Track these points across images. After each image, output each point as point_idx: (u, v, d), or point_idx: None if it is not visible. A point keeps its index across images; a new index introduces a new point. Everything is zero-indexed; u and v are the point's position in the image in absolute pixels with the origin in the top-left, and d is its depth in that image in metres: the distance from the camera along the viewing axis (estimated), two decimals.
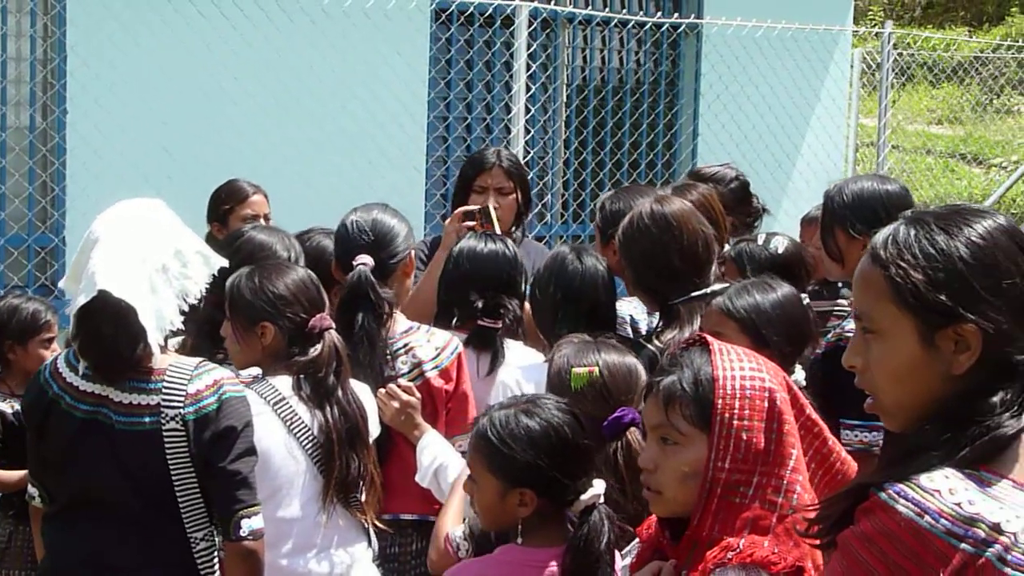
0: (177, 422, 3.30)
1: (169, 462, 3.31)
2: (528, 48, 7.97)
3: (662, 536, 2.53)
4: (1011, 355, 2.00)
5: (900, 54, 11.71)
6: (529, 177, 8.45)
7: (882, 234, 2.09)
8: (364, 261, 4.00)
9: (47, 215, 7.25)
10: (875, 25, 13.58)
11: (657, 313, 4.19)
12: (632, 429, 3.16)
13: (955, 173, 15.06)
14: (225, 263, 3.51)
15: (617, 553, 2.91)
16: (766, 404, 2.42)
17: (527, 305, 4.32)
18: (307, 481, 3.66)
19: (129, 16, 7.12)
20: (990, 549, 1.89)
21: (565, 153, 9.44)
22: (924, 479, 1.92)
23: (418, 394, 3.98)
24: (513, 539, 2.99)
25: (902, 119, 14.76)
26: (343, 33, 7.84)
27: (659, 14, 9.58)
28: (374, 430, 3.87)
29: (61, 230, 7.17)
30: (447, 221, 4.86)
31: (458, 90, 8.82)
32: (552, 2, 9.11)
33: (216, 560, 3.42)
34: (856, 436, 3.81)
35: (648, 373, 3.31)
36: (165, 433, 3.30)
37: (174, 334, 3.42)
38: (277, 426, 3.63)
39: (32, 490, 3.62)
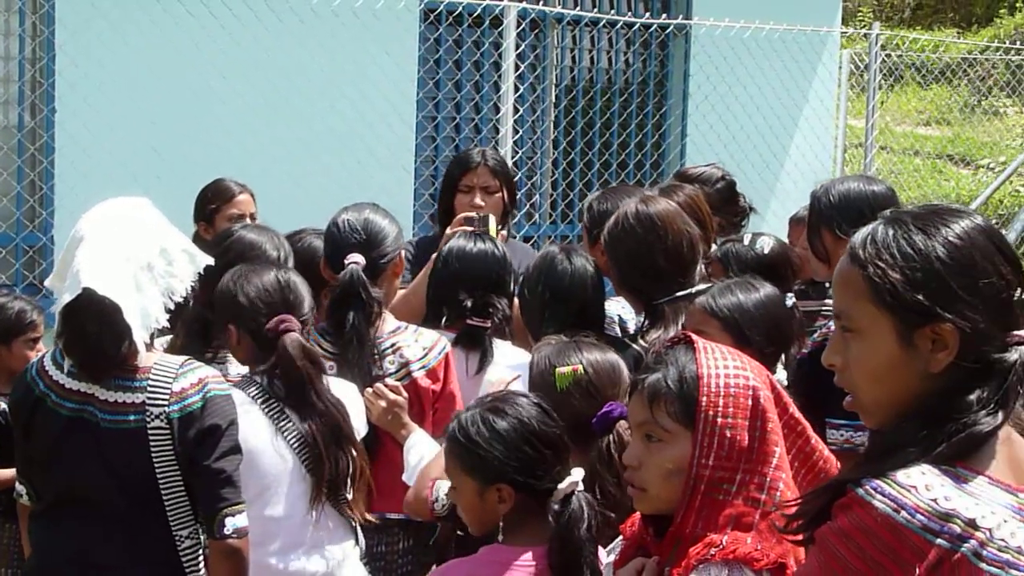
0: (162, 420, 3.30)
1: (154, 460, 3.31)
2: (516, 48, 7.97)
3: (646, 533, 2.55)
4: (988, 353, 2.02)
5: (888, 55, 11.74)
6: (517, 177, 8.51)
7: (861, 234, 2.11)
8: (355, 260, 4.01)
9: (35, 214, 7.24)
10: (864, 26, 13.60)
11: (644, 313, 4.20)
12: (622, 422, 3.19)
13: (943, 174, 15.09)
14: (210, 261, 3.51)
15: (601, 549, 2.93)
16: (750, 402, 2.44)
17: (515, 304, 4.34)
18: (294, 480, 3.67)
19: (118, 15, 7.11)
20: (966, 544, 1.91)
21: (553, 153, 9.45)
22: (901, 475, 1.94)
23: (405, 394, 3.99)
24: (496, 537, 3.01)
25: (890, 120, 14.79)
26: (332, 33, 7.85)
27: (647, 15, 9.59)
28: (361, 429, 3.88)
29: (49, 229, 7.16)
30: (448, 227, 4.86)
31: (446, 90, 8.82)
32: (540, 2, 9.12)
33: (201, 558, 3.42)
34: (842, 435, 3.83)
35: (633, 372, 3.32)
36: (150, 431, 3.30)
37: (161, 332, 3.43)
38: (264, 425, 3.63)
39: (19, 488, 3.63)
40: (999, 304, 2.04)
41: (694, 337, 2.54)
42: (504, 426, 2.98)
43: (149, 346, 3.38)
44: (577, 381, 3.33)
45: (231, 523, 3.33)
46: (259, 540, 3.56)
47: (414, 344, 4.07)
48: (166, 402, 3.31)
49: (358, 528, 3.83)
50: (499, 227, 5.10)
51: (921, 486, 1.93)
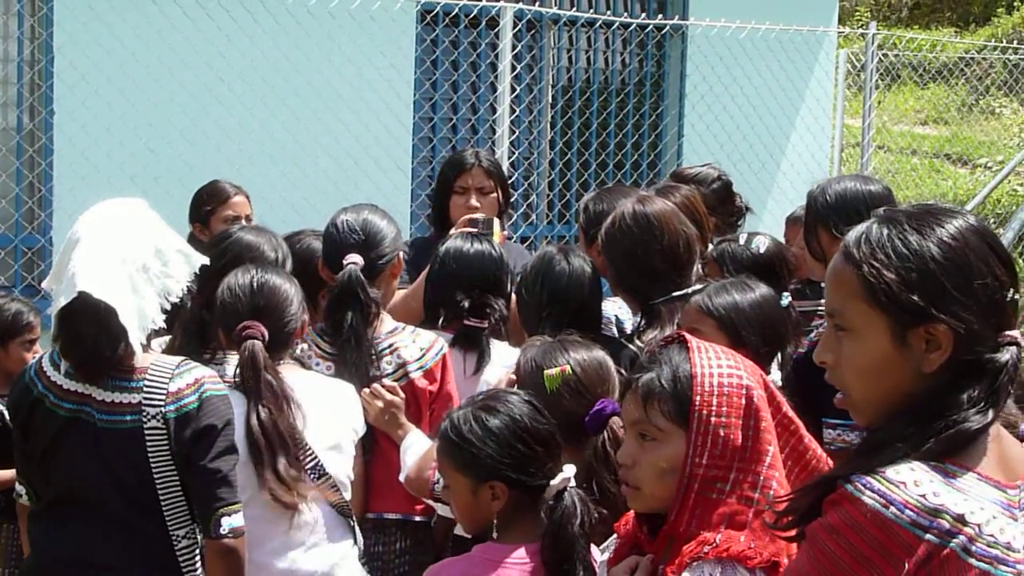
0: (158, 420, 3.31)
1: (151, 460, 3.32)
2: (513, 49, 7.98)
3: (640, 531, 2.57)
4: (981, 354, 2.04)
5: (885, 55, 11.74)
6: (514, 178, 8.53)
7: (855, 233, 2.12)
8: (354, 260, 4.01)
9: (34, 215, 7.25)
10: (861, 26, 13.61)
11: (640, 313, 4.21)
12: (614, 419, 3.20)
13: (940, 173, 15.09)
14: (206, 261, 3.52)
15: (595, 548, 2.94)
16: (743, 401, 2.45)
17: (512, 305, 4.35)
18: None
19: (116, 18, 7.13)
20: (954, 540, 1.93)
21: (550, 154, 9.46)
22: (890, 471, 1.95)
23: (402, 394, 3.99)
24: (490, 536, 3.02)
25: (888, 120, 14.80)
26: (329, 34, 7.86)
27: (644, 15, 9.60)
28: (359, 429, 3.89)
29: (48, 230, 7.17)
30: (453, 228, 4.88)
31: (443, 91, 8.83)
32: (537, 3, 9.13)
33: (198, 558, 3.42)
34: (838, 435, 3.83)
35: (629, 373, 3.33)
36: (146, 431, 3.31)
37: (157, 333, 3.44)
38: None
39: (19, 488, 3.64)
40: (992, 304, 2.04)
41: (688, 336, 2.55)
42: (496, 424, 3.00)
43: (146, 347, 3.38)
44: (566, 381, 3.33)
45: (227, 523, 3.33)
46: (257, 539, 3.57)
47: (411, 345, 4.07)
48: (162, 402, 3.32)
49: (356, 528, 3.84)
50: (503, 231, 5.11)
51: (910, 482, 1.94)
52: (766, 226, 6.58)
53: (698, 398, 2.44)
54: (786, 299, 4.12)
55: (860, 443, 2.08)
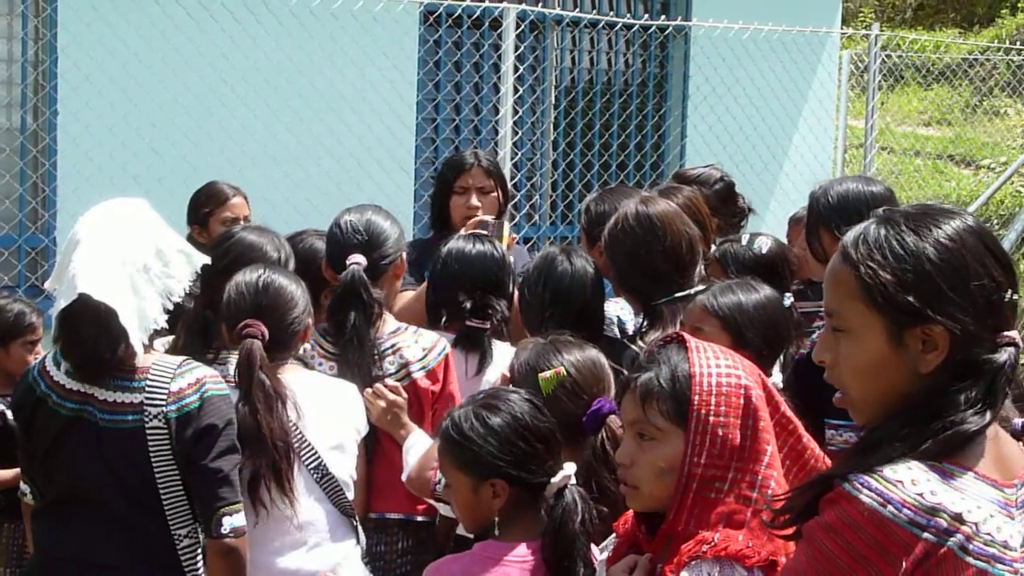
0: (160, 420, 3.32)
1: (152, 460, 3.33)
2: (516, 50, 7.97)
3: (638, 530, 2.58)
4: (978, 355, 2.04)
5: (889, 56, 11.74)
6: (517, 179, 8.53)
7: (853, 233, 2.13)
8: (357, 260, 4.02)
9: (38, 216, 7.26)
10: (865, 27, 13.61)
11: (643, 314, 4.22)
12: (612, 417, 3.21)
13: (944, 174, 15.08)
14: (207, 260, 3.53)
15: (594, 547, 2.95)
16: (742, 401, 2.46)
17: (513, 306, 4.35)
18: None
19: (119, 19, 7.14)
20: (952, 538, 1.94)
21: (553, 155, 9.46)
22: (887, 470, 1.96)
23: (404, 394, 4.00)
24: (491, 534, 3.03)
25: (891, 121, 14.79)
26: (331, 36, 7.86)
27: (647, 16, 9.59)
28: (362, 429, 3.90)
29: (51, 231, 7.18)
30: (462, 230, 4.88)
31: (446, 92, 8.83)
32: (540, 4, 9.13)
33: (200, 557, 3.43)
34: (841, 436, 3.83)
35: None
36: (148, 431, 3.32)
37: (158, 333, 3.44)
38: None
39: (24, 487, 3.65)
40: (989, 305, 2.05)
41: (686, 336, 2.56)
42: (497, 422, 3.01)
43: (148, 347, 3.39)
44: (561, 383, 3.34)
45: (228, 522, 3.34)
46: (260, 539, 3.58)
47: (414, 345, 4.08)
48: (164, 402, 3.33)
49: (359, 527, 3.85)
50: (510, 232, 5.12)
51: (908, 481, 1.95)
52: (769, 227, 6.59)
53: (696, 398, 2.45)
54: (788, 300, 4.12)
55: (857, 442, 2.09)
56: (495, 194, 5.20)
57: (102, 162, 7.00)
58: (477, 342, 4.21)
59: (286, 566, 3.68)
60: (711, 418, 2.44)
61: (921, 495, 1.94)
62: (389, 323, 4.11)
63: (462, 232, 4.75)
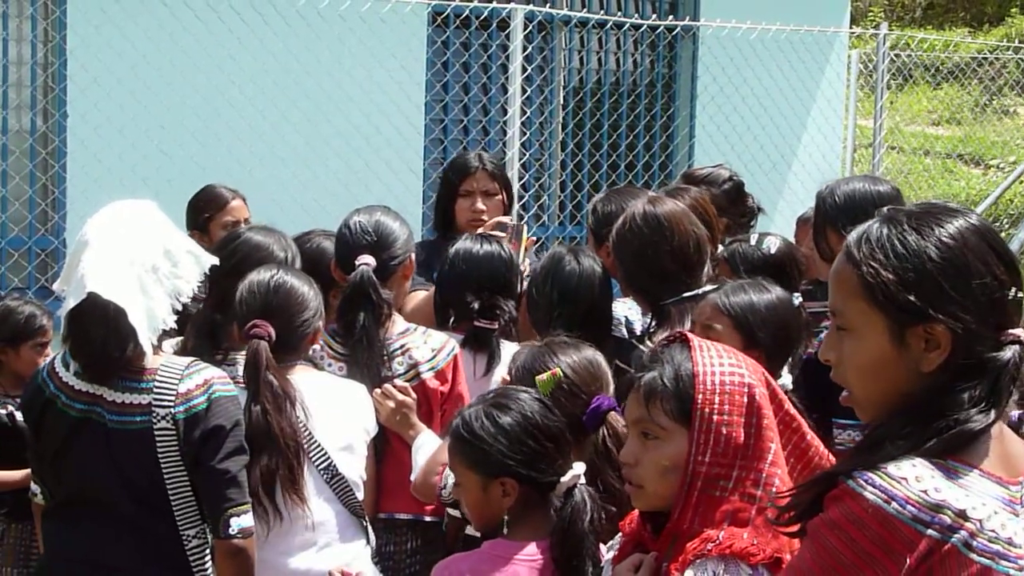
0: (168, 421, 3.33)
1: (160, 461, 3.34)
2: (524, 51, 7.97)
3: (644, 529, 2.58)
4: (981, 353, 2.04)
5: (898, 55, 11.72)
6: (526, 179, 8.54)
7: (856, 232, 2.14)
8: (366, 261, 4.02)
9: (47, 217, 7.29)
10: (874, 26, 13.59)
11: (651, 314, 4.22)
12: (612, 414, 3.21)
13: (953, 174, 15.05)
14: (215, 261, 3.54)
15: (601, 546, 2.95)
16: (745, 399, 2.47)
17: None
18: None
19: (128, 21, 7.16)
20: (956, 535, 1.94)
21: (561, 155, 9.46)
22: (892, 467, 1.96)
23: (413, 395, 4.00)
24: (500, 533, 3.03)
25: (900, 120, 14.76)
26: (339, 37, 7.88)
27: (655, 16, 9.59)
28: (371, 430, 3.90)
29: (61, 232, 7.21)
30: (479, 229, 4.89)
31: (454, 93, 8.84)
32: (548, 4, 9.13)
33: (208, 558, 3.44)
34: (849, 435, 3.84)
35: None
36: (156, 432, 3.33)
37: (167, 334, 3.45)
38: None
39: (34, 487, 3.67)
40: (992, 304, 2.05)
41: (689, 335, 2.57)
42: (508, 420, 3.02)
43: (156, 348, 3.40)
44: (558, 384, 3.34)
45: (236, 523, 3.35)
46: (270, 539, 3.59)
47: (423, 345, 4.09)
48: (172, 403, 3.33)
49: (369, 528, 3.85)
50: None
51: (912, 478, 1.95)
52: (777, 227, 6.58)
53: (700, 396, 2.46)
54: (797, 300, 4.12)
55: (861, 440, 2.09)
56: (500, 197, 5.19)
57: (111, 164, 7.02)
58: (485, 342, 4.22)
59: (296, 566, 3.69)
60: (715, 417, 2.44)
61: (925, 492, 1.94)
62: (398, 324, 4.12)
63: (480, 232, 4.76)
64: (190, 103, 7.43)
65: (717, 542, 2.38)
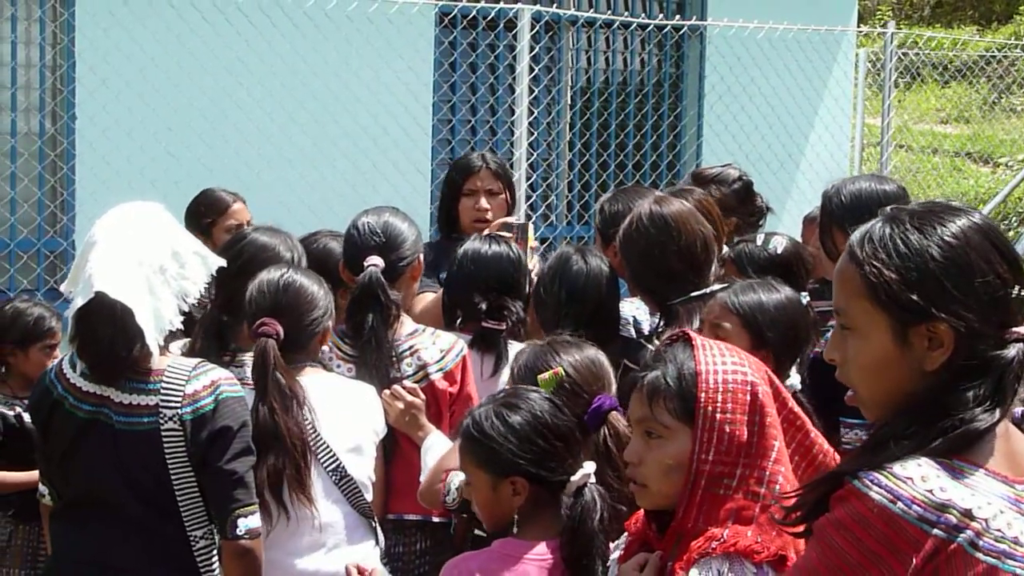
0: (175, 422, 3.33)
1: (168, 462, 3.34)
2: (531, 51, 7.97)
3: (648, 529, 2.59)
4: (984, 351, 2.04)
5: (905, 53, 11.71)
6: (533, 179, 8.54)
7: (859, 232, 2.14)
8: (375, 262, 4.03)
9: (56, 219, 7.31)
10: (882, 25, 13.58)
11: (659, 314, 4.22)
12: (614, 413, 3.22)
13: (962, 172, 15.04)
14: (223, 263, 3.55)
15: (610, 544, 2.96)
16: (748, 397, 2.47)
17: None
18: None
19: (136, 23, 7.18)
20: (962, 535, 1.94)
21: (569, 155, 9.47)
22: (897, 467, 1.96)
23: (422, 396, 4.01)
24: (510, 532, 3.04)
25: (908, 118, 14.75)
26: (347, 38, 7.89)
27: (662, 16, 9.59)
28: (380, 431, 3.91)
29: (70, 234, 7.22)
30: (486, 229, 4.89)
31: (462, 93, 8.85)
32: (555, 5, 9.14)
33: (216, 559, 3.44)
34: (856, 434, 3.84)
35: None
36: (163, 433, 3.33)
37: (173, 335, 3.46)
38: None
39: (42, 488, 3.67)
40: (995, 302, 2.05)
41: (692, 334, 2.57)
42: (518, 420, 3.02)
43: (163, 349, 3.41)
44: (560, 383, 3.34)
45: (243, 524, 3.35)
46: (278, 540, 3.59)
47: (431, 346, 4.09)
48: (179, 404, 3.34)
49: (378, 529, 3.86)
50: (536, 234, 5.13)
51: (917, 477, 1.95)
52: (785, 226, 6.59)
53: (703, 395, 2.46)
54: (804, 299, 4.12)
55: (867, 439, 2.10)
56: (503, 196, 5.20)
57: (120, 166, 7.04)
58: (493, 343, 4.22)
59: (305, 567, 3.69)
60: (718, 415, 2.45)
61: (931, 492, 1.94)
62: (407, 325, 4.12)
63: (486, 232, 4.76)
64: (198, 105, 7.45)
65: (721, 540, 2.39)
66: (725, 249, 4.61)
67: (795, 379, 3.86)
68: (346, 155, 7.93)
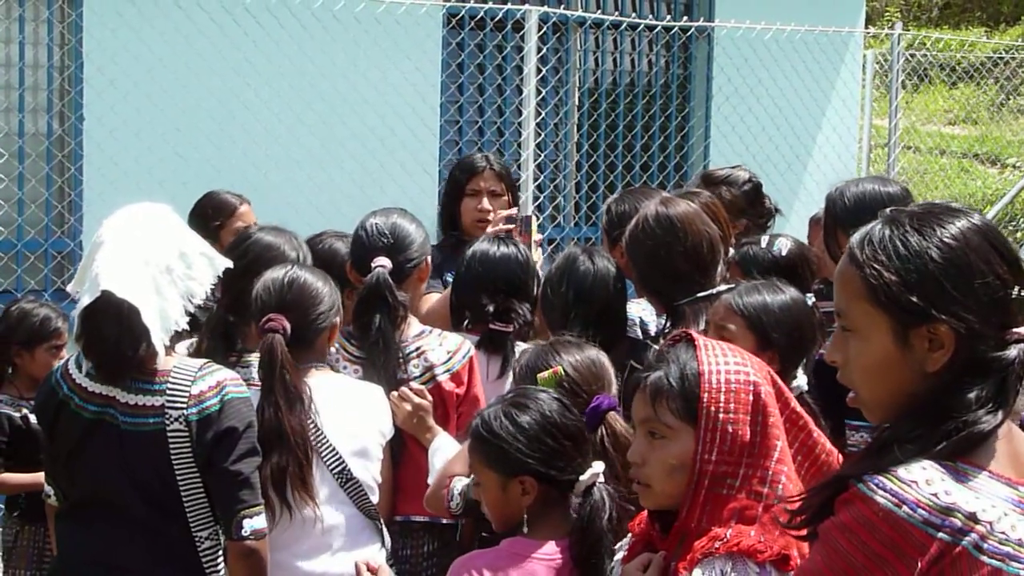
0: (181, 423, 3.34)
1: (173, 462, 3.35)
2: (539, 52, 7.97)
3: (652, 529, 2.59)
4: (985, 352, 2.04)
5: (913, 55, 11.70)
6: (541, 180, 8.54)
7: (859, 234, 2.15)
8: (382, 263, 4.04)
9: (64, 220, 7.31)
10: (890, 26, 13.57)
11: (665, 315, 4.22)
12: (612, 413, 3.22)
13: (969, 173, 15.03)
14: (229, 264, 3.56)
15: None
16: (751, 397, 2.47)
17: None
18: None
19: (144, 24, 7.18)
20: (967, 538, 1.94)
21: (577, 156, 9.47)
22: (902, 470, 1.96)
23: (430, 397, 4.01)
24: (520, 531, 3.04)
25: (916, 120, 14.73)
26: (354, 39, 7.89)
27: (669, 17, 9.59)
28: (387, 432, 3.91)
29: (77, 235, 7.23)
30: (489, 226, 4.89)
31: (469, 94, 8.85)
32: (562, 6, 9.14)
33: (221, 559, 3.45)
34: (861, 437, 3.83)
35: None
36: (169, 434, 3.34)
37: (179, 335, 3.46)
38: None
39: (48, 488, 3.68)
40: (995, 303, 2.05)
41: (695, 334, 2.58)
42: (526, 419, 3.03)
43: (169, 349, 3.42)
44: (560, 382, 3.35)
45: (248, 524, 3.36)
46: (285, 542, 3.60)
47: (439, 348, 4.09)
48: (184, 405, 3.35)
49: (384, 530, 3.86)
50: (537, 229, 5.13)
51: (922, 481, 1.95)
52: (793, 227, 6.57)
53: (706, 395, 2.46)
54: (809, 300, 4.12)
55: (870, 442, 2.10)
56: (506, 198, 5.22)
57: (127, 167, 7.05)
58: (500, 345, 4.22)
59: (311, 569, 3.70)
60: (721, 415, 2.45)
61: (936, 495, 1.95)
62: (414, 326, 4.13)
63: (490, 230, 4.76)
64: (205, 106, 7.45)
65: (724, 540, 2.39)
66: (731, 251, 4.62)
67: (802, 380, 3.86)
68: (353, 156, 7.93)
